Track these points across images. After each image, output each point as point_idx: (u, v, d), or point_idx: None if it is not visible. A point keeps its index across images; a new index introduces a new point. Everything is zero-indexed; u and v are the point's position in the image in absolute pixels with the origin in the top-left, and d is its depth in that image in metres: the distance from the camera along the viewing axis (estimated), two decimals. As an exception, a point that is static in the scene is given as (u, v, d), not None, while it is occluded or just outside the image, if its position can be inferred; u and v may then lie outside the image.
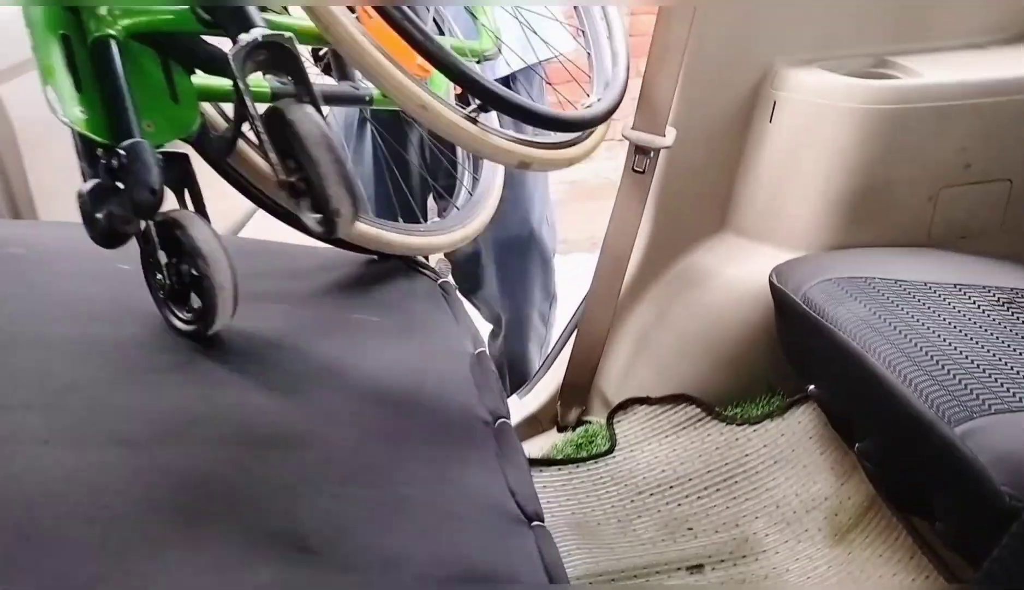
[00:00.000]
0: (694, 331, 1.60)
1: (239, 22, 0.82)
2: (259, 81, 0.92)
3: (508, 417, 1.07)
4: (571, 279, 2.06)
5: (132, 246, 1.03)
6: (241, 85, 0.80)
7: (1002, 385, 1.11)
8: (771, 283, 1.40)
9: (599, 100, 1.06)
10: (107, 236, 0.88)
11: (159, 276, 0.95)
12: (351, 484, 0.86)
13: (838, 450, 1.37)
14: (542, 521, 0.93)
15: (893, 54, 1.50)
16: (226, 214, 1.92)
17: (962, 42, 1.53)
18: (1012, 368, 1.14)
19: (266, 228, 1.64)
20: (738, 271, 1.57)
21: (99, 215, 0.86)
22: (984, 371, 1.13)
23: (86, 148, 0.88)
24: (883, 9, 1.49)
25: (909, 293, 1.31)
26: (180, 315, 0.96)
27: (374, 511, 0.83)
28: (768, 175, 1.53)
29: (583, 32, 1.15)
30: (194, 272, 0.90)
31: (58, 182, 1.51)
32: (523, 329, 2.07)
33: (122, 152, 0.84)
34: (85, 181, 0.87)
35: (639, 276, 1.61)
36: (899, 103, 1.43)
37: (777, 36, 1.46)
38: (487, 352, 1.19)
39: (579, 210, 3.41)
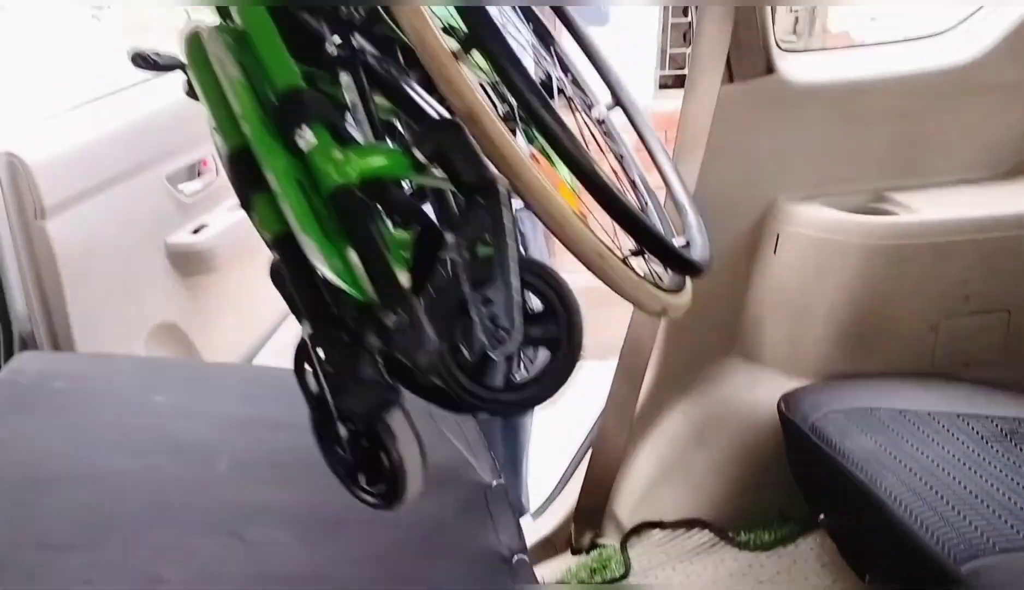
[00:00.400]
0: (707, 454, 1.63)
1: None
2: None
3: (525, 551, 1.10)
4: (582, 388, 2.08)
5: (165, 379, 1.09)
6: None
7: (1006, 522, 1.14)
8: (780, 412, 1.44)
9: (689, 243, 0.93)
10: (368, 407, 0.78)
11: (339, 450, 0.83)
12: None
13: (849, 580, 1.39)
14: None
15: (890, 190, 1.57)
16: (238, 343, 1.99)
17: (956, 178, 1.61)
18: (1016, 503, 1.17)
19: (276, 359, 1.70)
20: (748, 396, 1.61)
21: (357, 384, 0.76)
22: (988, 507, 1.16)
23: (331, 304, 0.77)
24: (879, 147, 1.57)
25: (914, 424, 1.35)
26: (365, 489, 0.84)
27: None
28: (774, 303, 1.59)
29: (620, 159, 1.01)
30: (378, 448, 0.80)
31: (96, 314, 1.60)
32: None
33: (396, 314, 0.72)
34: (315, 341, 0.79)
35: (652, 398, 1.65)
36: (897, 239, 1.49)
37: (779, 174, 1.54)
38: (503, 483, 1.23)
39: (591, 317, 3.46)
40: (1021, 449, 1.30)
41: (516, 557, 1.07)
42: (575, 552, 1.63)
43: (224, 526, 1.00)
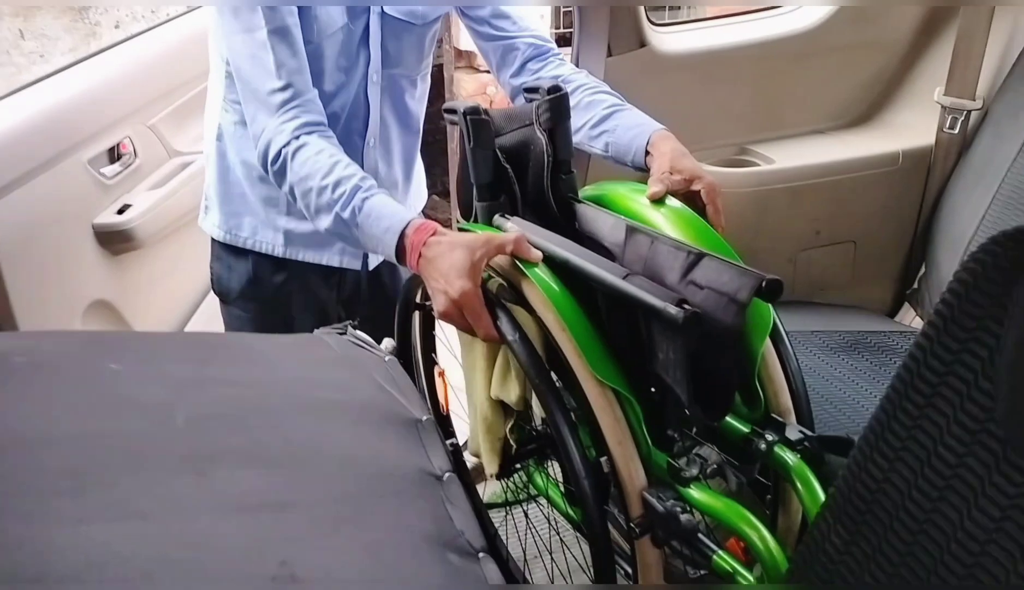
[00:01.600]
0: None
1: None
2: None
3: (453, 470, 1.28)
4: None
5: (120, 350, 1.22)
6: None
7: (846, 415, 1.38)
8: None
9: None
10: None
11: None
12: (332, 536, 1.07)
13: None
14: (487, 551, 1.15)
15: (752, 143, 1.80)
16: (167, 316, 2.10)
17: (809, 129, 1.85)
18: (854, 400, 1.42)
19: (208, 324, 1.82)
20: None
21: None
22: (832, 403, 1.40)
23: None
24: (741, 106, 1.78)
25: (775, 342, 1.59)
26: None
27: (352, 554, 1.04)
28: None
29: None
30: None
31: (34, 296, 1.69)
32: None
33: None
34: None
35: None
36: (760, 186, 1.72)
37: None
38: (432, 418, 1.41)
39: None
40: (861, 356, 1.55)
41: (446, 475, 1.25)
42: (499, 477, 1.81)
43: (190, 469, 1.14)
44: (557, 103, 1.23)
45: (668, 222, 1.19)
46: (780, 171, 1.73)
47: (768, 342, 1.14)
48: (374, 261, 1.69)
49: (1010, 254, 0.67)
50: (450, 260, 1.14)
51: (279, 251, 1.53)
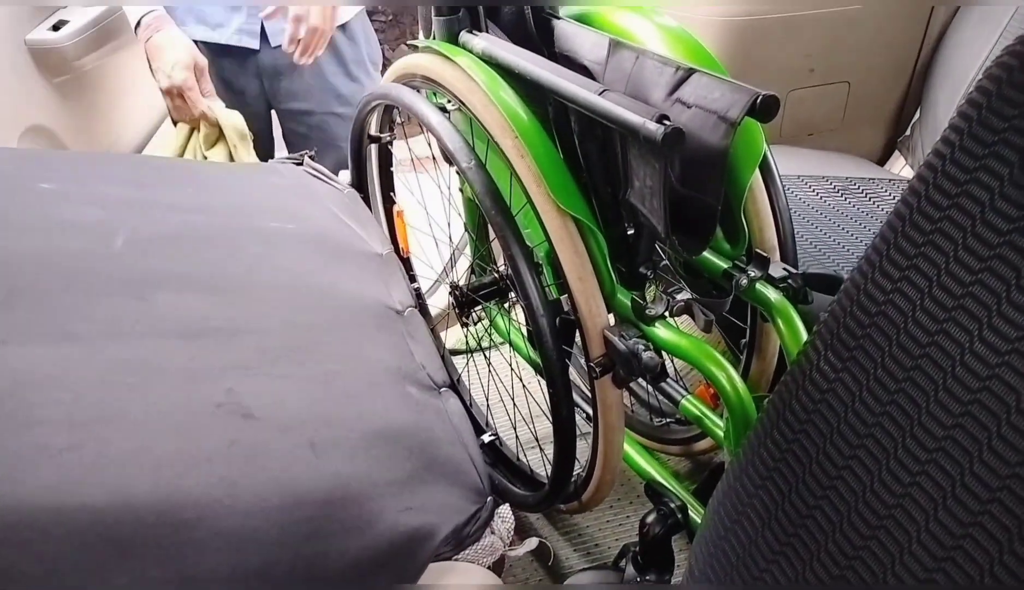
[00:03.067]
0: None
1: None
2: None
3: (415, 306, 1.21)
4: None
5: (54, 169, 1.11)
6: None
7: (830, 258, 1.32)
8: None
9: None
10: None
11: None
12: (282, 364, 1.00)
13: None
14: (449, 387, 1.10)
15: (747, -31, 1.65)
16: (115, 145, 1.97)
17: (807, -43, 1.70)
18: (840, 244, 1.36)
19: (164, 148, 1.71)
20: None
21: None
22: (816, 247, 1.34)
23: None
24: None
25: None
26: None
27: (304, 383, 0.97)
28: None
29: None
30: None
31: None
32: None
33: None
34: None
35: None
36: (750, 15, 1.59)
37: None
38: (393, 253, 1.33)
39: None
40: (849, 201, 1.48)
41: (407, 309, 1.18)
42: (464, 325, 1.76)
43: (129, 291, 1.06)
44: None
45: (660, 40, 1.08)
46: (775, -1, 1.61)
47: (757, 173, 1.06)
48: (276, 38, 1.67)
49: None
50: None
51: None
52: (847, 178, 1.55)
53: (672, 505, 1.04)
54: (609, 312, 1.02)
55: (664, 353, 1.10)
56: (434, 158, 1.34)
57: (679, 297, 0.99)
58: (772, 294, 1.02)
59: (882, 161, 1.82)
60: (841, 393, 0.68)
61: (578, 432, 1.09)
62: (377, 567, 0.85)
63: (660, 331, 1.00)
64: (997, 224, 0.59)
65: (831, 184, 1.53)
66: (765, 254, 1.05)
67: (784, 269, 1.04)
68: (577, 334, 1.03)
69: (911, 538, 0.62)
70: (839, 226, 1.40)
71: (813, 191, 1.50)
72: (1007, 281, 0.58)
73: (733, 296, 1.04)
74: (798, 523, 0.70)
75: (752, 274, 1.03)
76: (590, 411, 1.10)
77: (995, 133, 0.60)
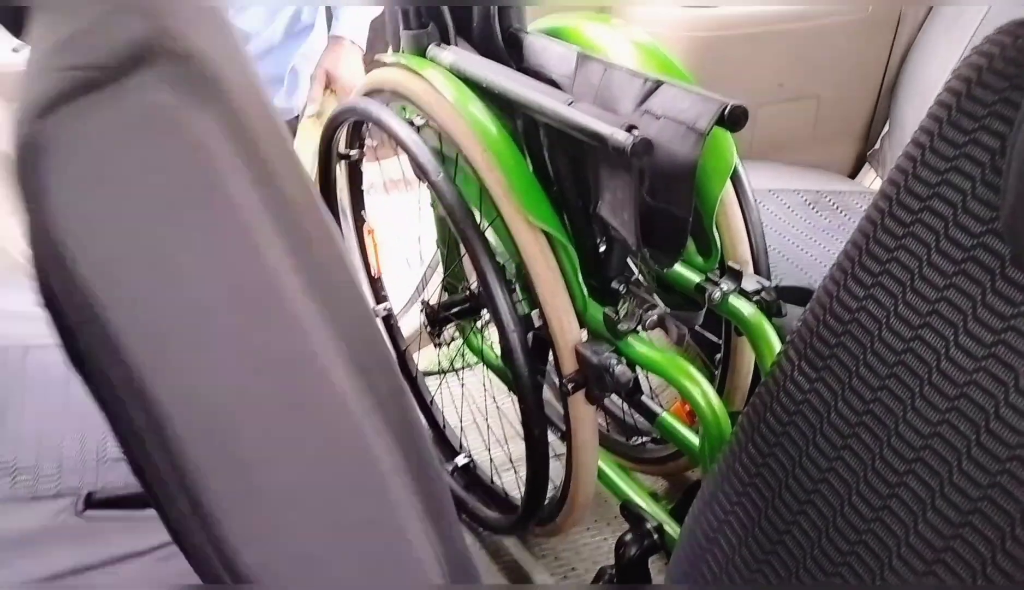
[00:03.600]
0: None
1: None
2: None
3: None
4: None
5: None
6: None
7: (803, 271, 1.31)
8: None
9: None
10: None
11: None
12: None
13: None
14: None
15: (715, -15, 1.66)
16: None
17: (773, -26, 1.71)
18: (812, 256, 1.35)
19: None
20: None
21: None
22: (788, 259, 1.33)
23: None
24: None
25: (732, 199, 1.50)
26: None
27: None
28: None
29: None
30: None
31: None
32: None
33: None
34: None
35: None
36: (718, 30, 1.59)
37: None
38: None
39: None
40: (820, 214, 1.48)
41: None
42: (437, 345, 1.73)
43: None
44: None
45: (629, 52, 1.07)
46: (742, 15, 1.60)
47: (728, 186, 1.04)
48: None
49: (1009, 52, 0.58)
50: None
51: None
52: (818, 191, 1.55)
53: (649, 526, 1.02)
54: (581, 327, 1.00)
55: (639, 369, 1.07)
56: (405, 179, 1.32)
57: (651, 311, 0.98)
58: (746, 307, 1.01)
59: (853, 174, 1.82)
60: (816, 404, 0.67)
61: (552, 452, 1.07)
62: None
63: (633, 345, 0.98)
64: (970, 226, 0.58)
65: (802, 197, 1.52)
66: (738, 267, 1.03)
67: (757, 282, 1.03)
68: (550, 351, 1.01)
69: (891, 552, 0.60)
70: (811, 239, 1.39)
71: (784, 204, 1.49)
72: (982, 284, 0.57)
73: (707, 310, 1.03)
74: (776, 539, 0.68)
75: (725, 287, 1.02)
76: (564, 429, 1.08)
77: (965, 133, 0.59)
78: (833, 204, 1.52)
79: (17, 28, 0.49)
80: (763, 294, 1.01)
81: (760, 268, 1.07)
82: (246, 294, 0.39)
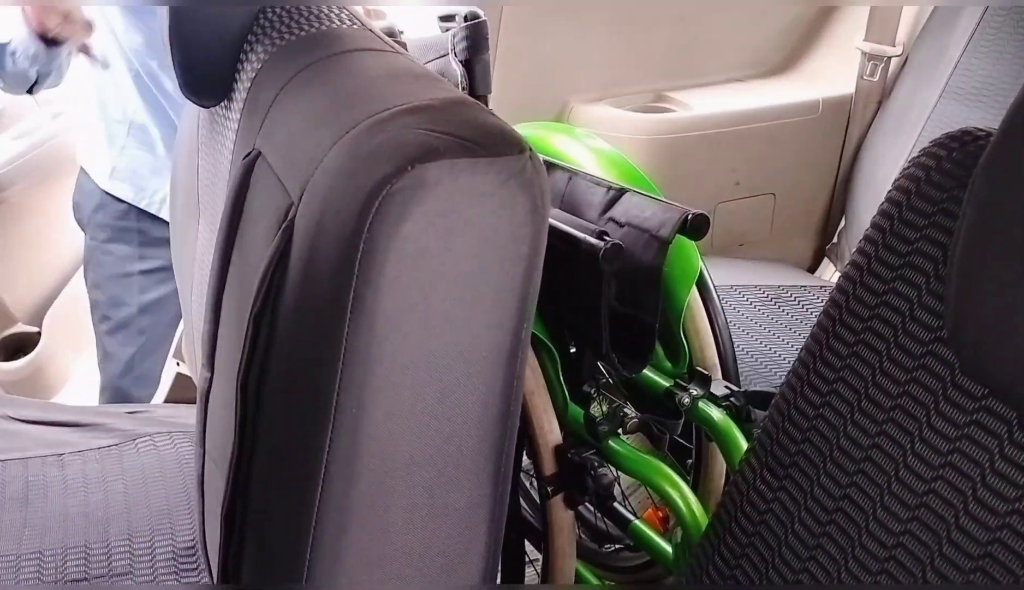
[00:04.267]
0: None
1: None
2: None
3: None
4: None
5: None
6: None
7: (769, 370, 1.32)
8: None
9: None
10: None
11: None
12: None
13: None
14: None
15: (669, 90, 1.71)
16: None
17: (726, 77, 1.78)
18: (777, 354, 1.36)
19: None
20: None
21: None
22: (752, 357, 1.34)
23: None
24: (658, 51, 1.70)
25: (696, 295, 1.52)
26: None
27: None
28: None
29: None
30: None
31: None
32: None
33: None
34: None
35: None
36: (676, 133, 1.64)
37: (570, 78, 1.65)
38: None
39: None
40: (781, 310, 1.49)
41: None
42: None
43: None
44: (475, 31, 1.11)
45: (592, 160, 1.10)
46: (697, 118, 1.66)
47: (695, 291, 1.06)
48: None
49: (955, 156, 0.60)
50: None
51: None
52: (779, 286, 1.57)
53: None
54: (561, 428, 0.99)
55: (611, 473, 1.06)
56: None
57: (631, 414, 0.97)
58: (715, 413, 1.00)
59: (812, 269, 1.85)
60: (780, 514, 0.66)
61: (527, 559, 1.04)
62: None
63: (615, 448, 0.97)
64: (919, 335, 0.59)
65: (764, 293, 1.54)
66: (706, 372, 1.03)
67: (725, 387, 1.03)
68: (523, 453, 0.99)
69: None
70: (775, 335, 1.40)
71: (747, 301, 1.51)
72: (934, 392, 0.57)
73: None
74: (746, 657, 0.66)
75: (694, 393, 1.01)
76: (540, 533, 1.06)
77: (908, 243, 0.60)
78: (794, 299, 1.54)
79: None
80: (732, 399, 1.01)
81: (728, 373, 1.07)
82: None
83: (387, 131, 0.54)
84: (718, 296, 1.09)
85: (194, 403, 1.18)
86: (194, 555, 0.91)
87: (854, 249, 0.65)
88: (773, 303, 1.51)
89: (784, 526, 0.65)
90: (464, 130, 0.54)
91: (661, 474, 0.95)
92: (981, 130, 0.61)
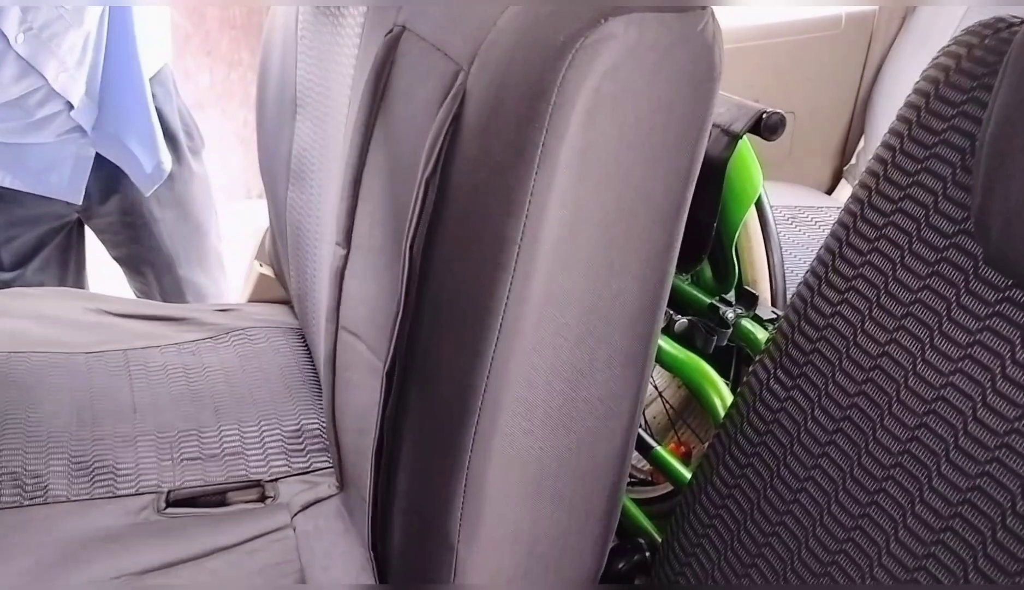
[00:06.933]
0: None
1: None
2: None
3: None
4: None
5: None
6: None
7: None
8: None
9: None
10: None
11: None
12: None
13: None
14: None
15: (688, 3, 1.67)
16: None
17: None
18: (793, 273, 1.34)
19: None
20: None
21: None
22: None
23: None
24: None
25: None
26: None
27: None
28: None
29: None
30: None
31: None
32: None
33: None
34: None
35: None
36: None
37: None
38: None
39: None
40: (799, 229, 1.48)
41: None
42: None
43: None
44: None
45: None
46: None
47: (753, 212, 1.04)
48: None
49: (987, 42, 0.57)
50: None
51: None
52: (796, 207, 1.55)
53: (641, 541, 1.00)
54: None
55: None
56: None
57: (679, 316, 0.97)
58: (760, 333, 0.99)
59: (830, 190, 1.82)
60: (793, 412, 0.65)
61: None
62: None
63: (661, 344, 0.97)
64: (942, 227, 0.57)
65: (780, 213, 1.52)
66: (754, 292, 1.02)
67: (772, 312, 1.01)
68: None
69: (872, 560, 0.59)
70: (792, 254, 1.38)
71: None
72: (955, 285, 0.56)
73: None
74: (756, 549, 0.67)
75: (739, 311, 1.00)
76: None
77: (935, 134, 0.59)
78: (811, 219, 1.52)
79: None
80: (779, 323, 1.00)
81: (777, 300, 1.06)
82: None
83: None
84: (774, 220, 1.07)
85: (279, 303, 1.21)
86: (300, 438, 0.95)
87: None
88: (790, 222, 1.50)
89: (797, 425, 0.65)
90: None
91: (705, 376, 0.95)
92: (1017, 17, 0.59)
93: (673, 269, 0.64)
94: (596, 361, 0.62)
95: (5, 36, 1.08)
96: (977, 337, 0.54)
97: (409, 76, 0.70)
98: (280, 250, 1.12)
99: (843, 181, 1.82)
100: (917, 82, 0.61)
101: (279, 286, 1.21)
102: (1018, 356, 0.52)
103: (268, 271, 1.27)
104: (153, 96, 1.26)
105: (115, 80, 1.21)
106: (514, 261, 0.58)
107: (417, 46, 0.69)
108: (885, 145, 0.62)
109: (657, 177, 0.59)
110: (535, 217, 0.57)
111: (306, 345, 1.11)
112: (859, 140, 1.77)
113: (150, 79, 1.26)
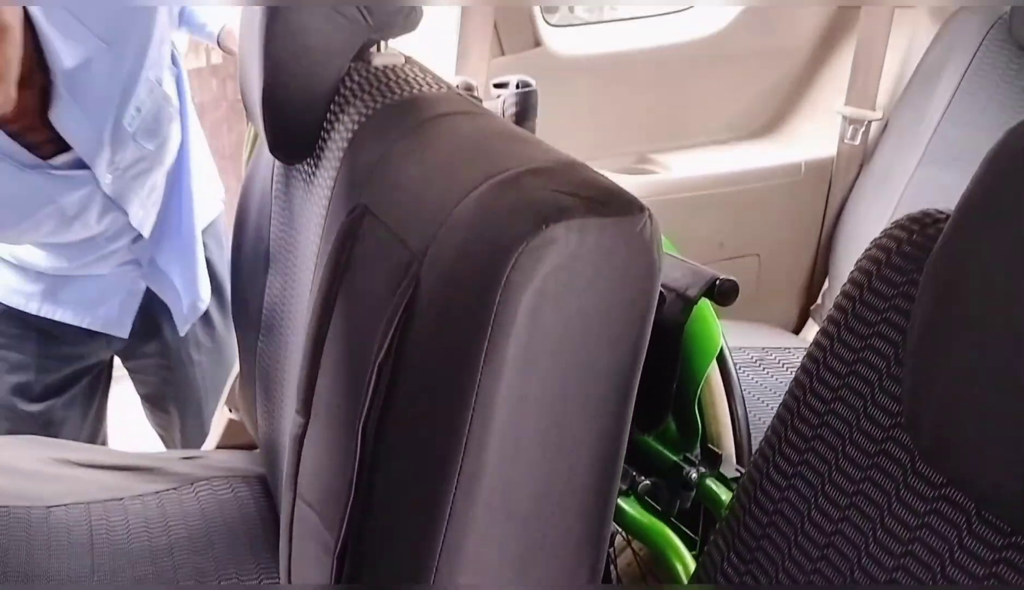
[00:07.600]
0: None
1: None
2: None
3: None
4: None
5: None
6: None
7: (755, 438, 1.30)
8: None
9: None
10: None
11: None
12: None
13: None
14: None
15: (652, 152, 1.73)
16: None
17: (710, 139, 1.79)
18: (759, 418, 1.34)
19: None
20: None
21: None
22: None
23: None
24: (641, 114, 1.72)
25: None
26: None
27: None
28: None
29: None
30: None
31: None
32: None
33: None
34: None
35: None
36: (659, 195, 1.65)
37: (554, 140, 1.65)
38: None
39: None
40: (767, 372, 1.49)
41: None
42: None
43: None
44: (526, 99, 1.17)
45: None
46: (681, 180, 1.67)
47: (714, 367, 1.05)
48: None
49: (915, 238, 0.60)
50: None
51: None
52: (763, 348, 1.57)
53: None
54: None
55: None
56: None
57: (642, 477, 0.97)
58: (724, 494, 0.98)
59: (797, 329, 1.85)
60: (758, 574, 0.65)
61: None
62: None
63: (624, 507, 0.96)
64: (880, 419, 0.58)
65: (749, 355, 1.54)
66: (717, 451, 1.02)
67: (737, 470, 1.01)
68: None
69: None
70: (757, 399, 1.39)
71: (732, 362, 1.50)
72: (895, 479, 0.57)
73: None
74: None
75: (702, 469, 1.00)
76: None
77: (869, 325, 0.61)
78: (779, 362, 1.53)
79: None
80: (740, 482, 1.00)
81: (742, 456, 1.06)
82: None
83: (517, 191, 0.60)
84: (737, 374, 1.08)
85: (246, 449, 1.20)
86: (259, 599, 0.93)
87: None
88: (757, 365, 1.51)
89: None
90: (587, 191, 0.60)
91: (668, 542, 0.94)
92: (941, 212, 0.61)
93: (626, 437, 0.65)
94: (547, 541, 0.62)
95: (96, 178, 1.10)
96: (917, 534, 0.54)
97: (371, 254, 0.72)
98: (249, 396, 1.12)
99: (810, 320, 1.85)
100: (852, 272, 0.63)
101: (247, 431, 1.20)
102: (956, 555, 0.52)
103: (236, 416, 1.26)
104: (204, 245, 1.29)
105: (170, 216, 1.24)
106: (462, 452, 0.59)
107: (377, 229, 0.71)
108: (823, 332, 0.64)
109: (603, 360, 0.61)
110: (482, 408, 0.58)
111: (271, 495, 1.10)
112: (824, 279, 1.81)
113: (203, 230, 1.29)
